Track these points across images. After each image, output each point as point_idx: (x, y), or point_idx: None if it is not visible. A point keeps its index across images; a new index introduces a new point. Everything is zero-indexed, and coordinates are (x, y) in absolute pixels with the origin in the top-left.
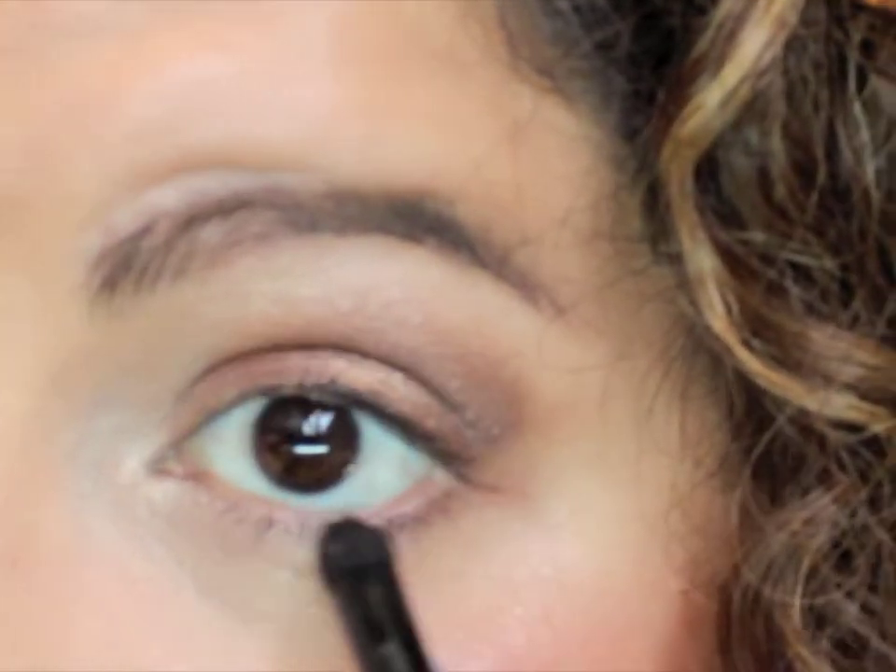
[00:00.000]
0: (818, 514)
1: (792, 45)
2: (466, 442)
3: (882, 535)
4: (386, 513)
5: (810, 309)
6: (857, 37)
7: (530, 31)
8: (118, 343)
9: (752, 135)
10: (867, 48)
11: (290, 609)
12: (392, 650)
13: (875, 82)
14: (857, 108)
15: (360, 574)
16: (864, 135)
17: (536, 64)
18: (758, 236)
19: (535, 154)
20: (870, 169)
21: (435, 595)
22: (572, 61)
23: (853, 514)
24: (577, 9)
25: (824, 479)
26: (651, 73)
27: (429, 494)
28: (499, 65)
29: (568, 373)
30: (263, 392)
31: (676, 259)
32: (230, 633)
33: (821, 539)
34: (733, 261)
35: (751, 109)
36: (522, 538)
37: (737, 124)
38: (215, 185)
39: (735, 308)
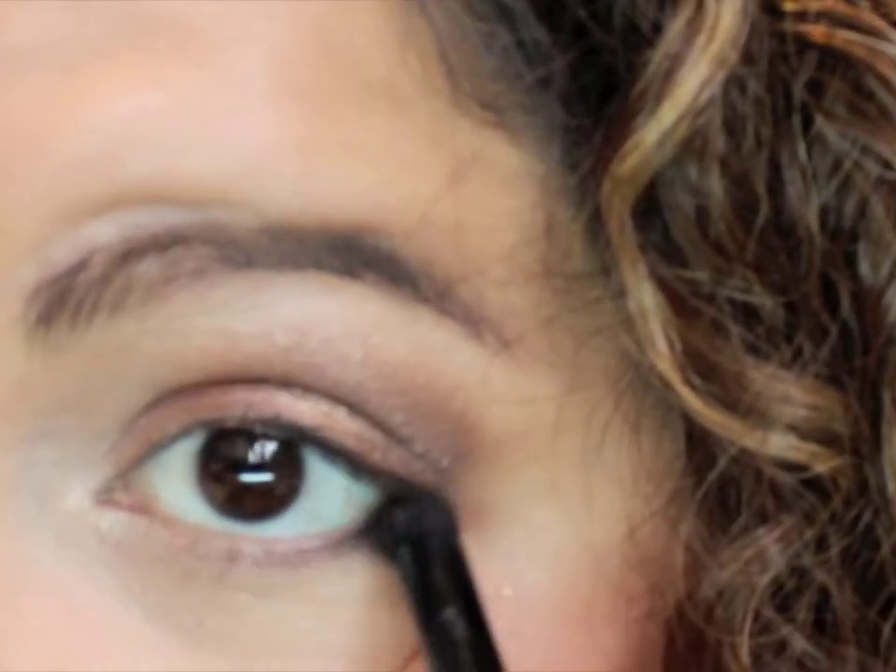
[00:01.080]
0: (761, 554)
1: (733, 83)
2: (413, 475)
3: (824, 577)
4: (334, 536)
5: (752, 348)
6: (804, 75)
7: (472, 65)
8: (55, 377)
9: (692, 173)
10: (815, 86)
11: (247, 630)
12: (452, 615)
13: (821, 120)
14: (801, 146)
15: (421, 542)
16: (808, 173)
17: (478, 99)
18: (699, 274)
19: (478, 188)
20: (814, 206)
21: (387, 618)
22: (515, 95)
23: (797, 555)
24: (519, 44)
25: (768, 518)
26: (593, 108)
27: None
28: (440, 100)
29: (517, 405)
30: (206, 425)
31: (620, 294)
32: (180, 655)
33: (765, 578)
34: (675, 299)
35: (690, 147)
36: (480, 561)
37: (677, 162)
38: (150, 220)
39: (678, 346)
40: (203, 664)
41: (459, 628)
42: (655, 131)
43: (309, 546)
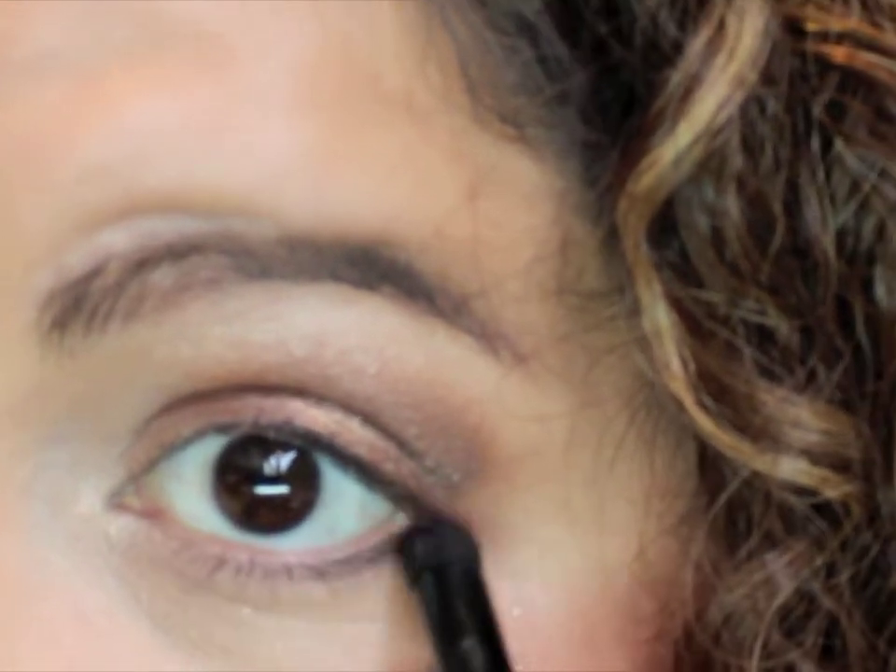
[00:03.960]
0: (770, 578)
1: (752, 103)
2: (425, 488)
3: (833, 604)
4: (349, 550)
5: (765, 370)
6: (824, 97)
7: (492, 79)
8: (69, 382)
9: (709, 192)
10: (835, 107)
11: (252, 644)
12: (471, 645)
13: (840, 142)
14: (820, 167)
15: (443, 571)
16: (826, 195)
17: (498, 113)
18: (714, 295)
19: (496, 203)
20: (831, 229)
21: (402, 634)
22: (535, 110)
23: (806, 581)
24: (540, 59)
25: (777, 543)
26: (612, 124)
27: (391, 534)
28: (460, 113)
29: (531, 421)
30: (219, 429)
31: (635, 313)
32: (187, 667)
33: (774, 603)
34: (689, 319)
35: (707, 167)
36: (490, 581)
37: (694, 181)
38: (166, 228)
39: (692, 367)
40: None
41: (478, 658)
42: (672, 149)
43: (320, 561)
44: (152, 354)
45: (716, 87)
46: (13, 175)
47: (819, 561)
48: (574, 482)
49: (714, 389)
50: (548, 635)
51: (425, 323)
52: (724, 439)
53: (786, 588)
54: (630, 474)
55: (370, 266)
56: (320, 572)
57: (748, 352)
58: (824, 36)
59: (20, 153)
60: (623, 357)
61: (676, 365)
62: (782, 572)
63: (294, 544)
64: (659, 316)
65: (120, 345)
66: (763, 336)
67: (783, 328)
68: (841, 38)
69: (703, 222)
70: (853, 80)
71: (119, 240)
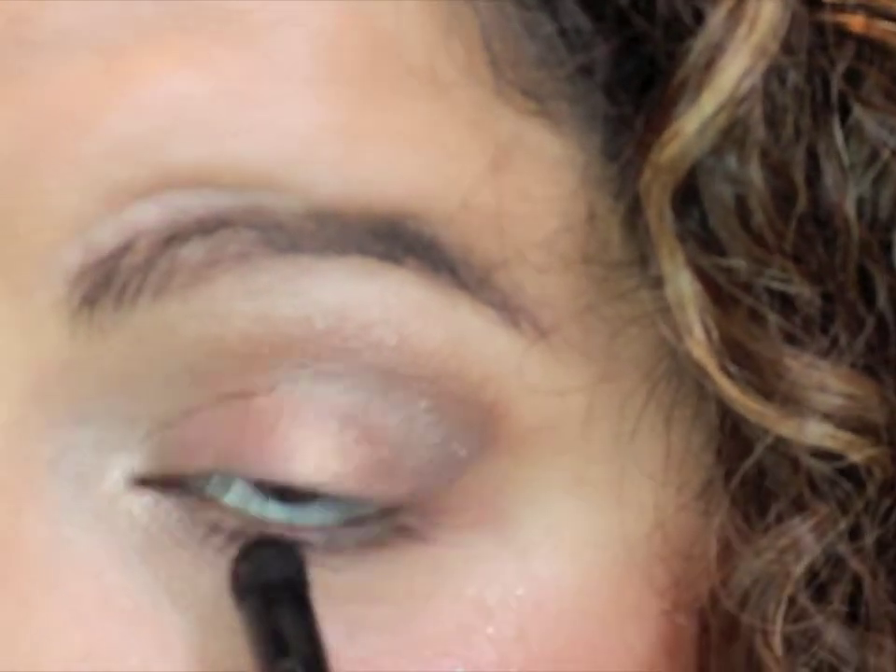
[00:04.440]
0: (796, 542)
1: (773, 72)
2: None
3: (859, 566)
4: (352, 534)
5: (789, 337)
6: (842, 66)
7: (514, 53)
8: (98, 358)
9: (732, 162)
10: (852, 76)
11: None
12: (291, 666)
13: (858, 109)
14: (839, 136)
15: (267, 592)
16: (846, 163)
17: (520, 87)
18: (738, 263)
19: (518, 176)
20: (851, 197)
21: (404, 615)
22: (557, 83)
23: (832, 544)
24: (562, 33)
25: (803, 507)
26: (634, 96)
27: (393, 517)
28: (482, 87)
29: (550, 395)
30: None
31: (658, 283)
32: (205, 646)
33: (800, 567)
34: (713, 287)
35: (730, 136)
36: (494, 558)
37: (717, 151)
38: (195, 203)
39: (715, 334)
40: (230, 652)
41: None
42: (696, 119)
43: (314, 540)
44: (181, 330)
45: (738, 56)
46: (41, 152)
47: (843, 524)
48: (591, 455)
49: (738, 356)
50: (555, 611)
51: (448, 296)
52: (750, 405)
53: (812, 550)
54: (648, 447)
55: (395, 239)
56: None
57: (772, 318)
58: (841, 7)
59: (47, 130)
60: (644, 329)
61: (699, 332)
62: (808, 536)
63: (318, 517)
64: (682, 285)
65: (150, 321)
66: (786, 303)
67: (806, 294)
68: (857, 8)
69: (726, 191)
70: (869, 49)
71: (149, 216)
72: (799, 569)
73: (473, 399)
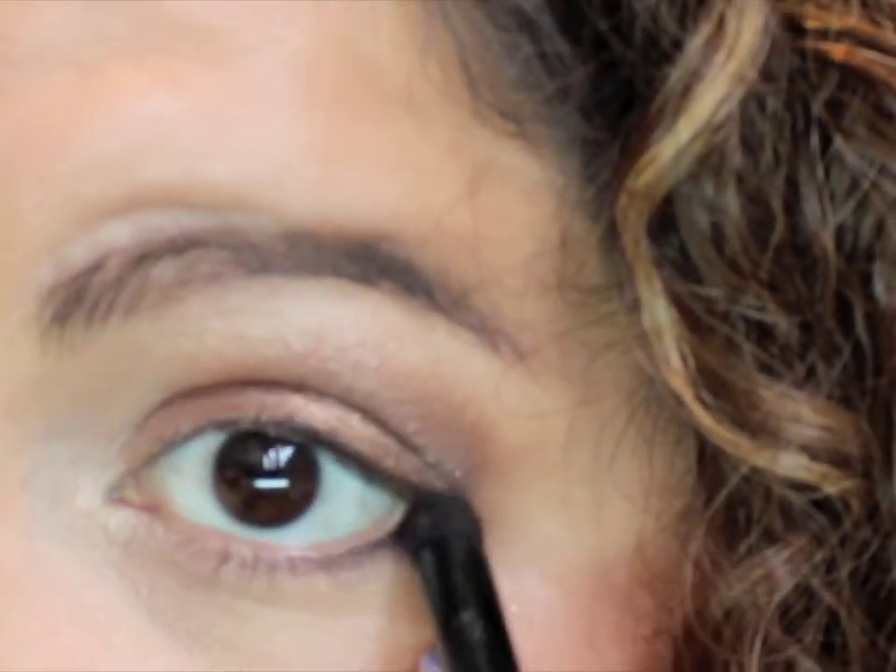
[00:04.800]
0: (769, 575)
1: (752, 99)
2: (427, 483)
3: (833, 599)
4: (350, 544)
5: (765, 366)
6: (824, 94)
7: (493, 75)
8: (70, 375)
9: (708, 189)
10: (835, 105)
11: (253, 637)
12: (470, 618)
13: (840, 139)
14: (819, 164)
15: (443, 546)
16: (825, 192)
17: (498, 108)
18: (714, 291)
19: (495, 198)
20: (831, 226)
21: (404, 623)
22: (535, 106)
23: (806, 577)
24: (540, 55)
25: (777, 539)
26: (612, 121)
27: (392, 526)
28: (460, 109)
29: (531, 418)
30: (219, 426)
31: (635, 308)
32: (186, 660)
33: (774, 600)
34: (689, 315)
35: (706, 163)
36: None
37: (694, 178)
38: (167, 223)
39: (691, 362)
40: (209, 670)
41: (477, 631)
42: (672, 146)
43: (322, 554)
44: (152, 348)
45: (716, 83)
46: (14, 169)
47: (818, 557)
48: (573, 478)
49: (713, 385)
50: (545, 630)
51: (424, 318)
52: (724, 434)
53: (786, 584)
54: (629, 471)
55: (369, 261)
56: (324, 565)
57: (747, 348)
58: (824, 34)
59: (21, 147)
60: (623, 354)
61: (675, 361)
62: (782, 568)
63: (295, 539)
64: (659, 312)
65: (121, 340)
66: (763, 332)
67: (782, 324)
68: (840, 36)
69: (702, 219)
70: (852, 78)
71: (120, 234)
72: (773, 602)
73: (458, 420)
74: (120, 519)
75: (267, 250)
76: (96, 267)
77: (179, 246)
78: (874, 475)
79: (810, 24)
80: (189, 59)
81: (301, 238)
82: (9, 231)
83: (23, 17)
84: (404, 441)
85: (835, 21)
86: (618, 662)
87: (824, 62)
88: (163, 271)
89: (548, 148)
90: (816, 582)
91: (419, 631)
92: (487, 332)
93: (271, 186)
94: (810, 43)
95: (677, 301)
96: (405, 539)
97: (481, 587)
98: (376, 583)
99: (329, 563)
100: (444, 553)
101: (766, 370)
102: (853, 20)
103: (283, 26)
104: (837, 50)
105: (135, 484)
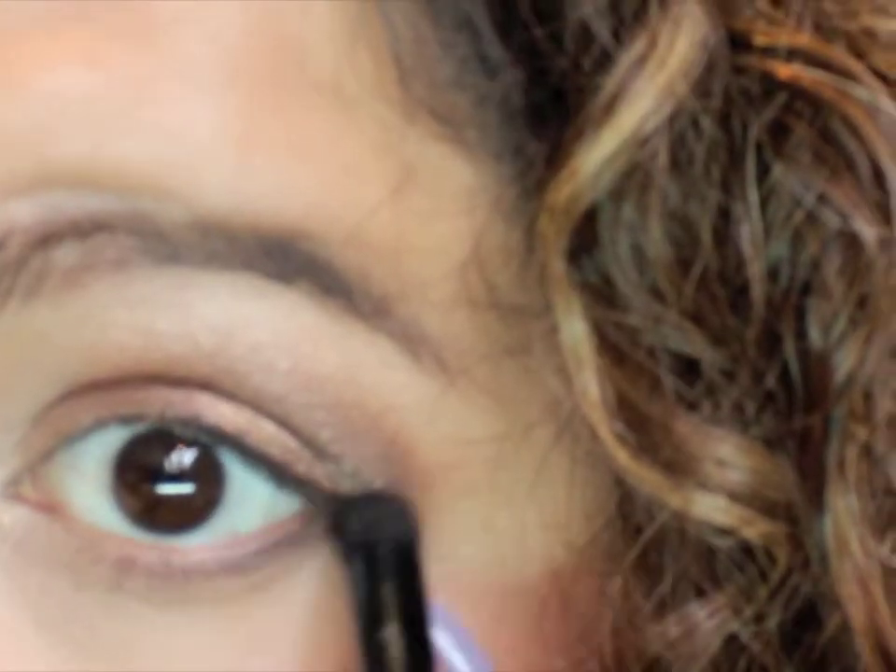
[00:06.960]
0: (694, 630)
1: (684, 117)
2: (342, 491)
3: (761, 651)
4: (254, 548)
5: (687, 402)
6: (767, 116)
7: (427, 72)
8: None
9: (630, 209)
10: (778, 128)
11: (143, 643)
12: (392, 633)
13: (780, 166)
14: (754, 190)
15: (373, 550)
16: (760, 220)
17: (431, 108)
18: (633, 319)
19: (423, 202)
20: (763, 256)
21: (318, 628)
22: (470, 109)
23: (733, 629)
24: (476, 57)
25: (703, 590)
26: (548, 131)
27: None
28: (390, 105)
29: (454, 436)
30: (122, 421)
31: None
32: (67, 665)
33: (700, 657)
34: (608, 343)
35: (631, 181)
36: None
37: (616, 196)
38: (72, 204)
39: (609, 393)
40: None
41: (397, 646)
42: (594, 159)
43: (224, 558)
44: (52, 336)
45: (643, 95)
46: None
47: (748, 612)
48: (497, 501)
49: (632, 419)
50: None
51: (342, 322)
52: (638, 471)
53: (712, 641)
54: (552, 500)
55: (286, 259)
56: (236, 566)
57: (668, 381)
58: (772, 52)
59: None
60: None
61: (593, 390)
62: (707, 623)
63: (201, 540)
64: (577, 339)
65: (19, 325)
66: (687, 366)
67: (707, 357)
68: (791, 55)
69: (624, 241)
70: (799, 100)
71: (23, 213)
72: (698, 661)
73: (375, 430)
74: (15, 516)
75: (177, 240)
76: None
77: (84, 229)
78: (800, 521)
79: (758, 42)
80: (109, 35)
81: (214, 229)
82: None
83: None
84: (317, 449)
85: (785, 39)
86: None
87: (770, 81)
88: (66, 254)
89: (481, 154)
90: (744, 634)
91: (343, 634)
92: (409, 342)
93: (184, 171)
94: (756, 61)
95: (597, 328)
96: (335, 539)
97: (409, 600)
98: (300, 577)
99: (242, 563)
100: (374, 559)
101: (689, 405)
102: (805, 38)
103: (207, 5)
104: (783, 70)
105: (32, 480)
